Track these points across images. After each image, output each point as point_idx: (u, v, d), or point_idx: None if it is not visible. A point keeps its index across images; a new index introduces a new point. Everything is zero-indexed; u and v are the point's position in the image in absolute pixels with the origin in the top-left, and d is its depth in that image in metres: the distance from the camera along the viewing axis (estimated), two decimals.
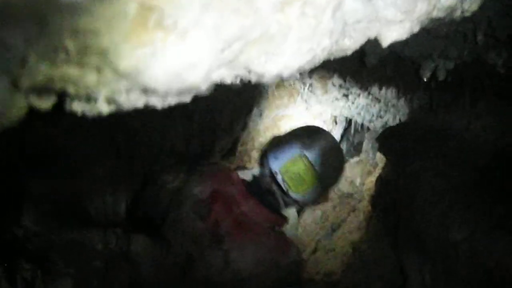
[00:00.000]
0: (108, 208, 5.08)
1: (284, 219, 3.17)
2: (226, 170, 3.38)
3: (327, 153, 3.05)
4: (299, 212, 4.46)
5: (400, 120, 5.70)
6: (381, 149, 4.25)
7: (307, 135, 3.13)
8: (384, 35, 1.31)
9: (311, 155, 3.00)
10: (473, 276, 2.59)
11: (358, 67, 4.35)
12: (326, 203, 6.60)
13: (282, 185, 3.03)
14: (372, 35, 1.31)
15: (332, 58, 1.33)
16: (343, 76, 5.21)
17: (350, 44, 1.29)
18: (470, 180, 3.21)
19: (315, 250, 6.01)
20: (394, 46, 2.68)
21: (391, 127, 4.64)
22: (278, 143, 3.16)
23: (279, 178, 3.01)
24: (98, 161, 4.76)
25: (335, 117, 6.89)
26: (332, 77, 5.33)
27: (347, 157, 7.96)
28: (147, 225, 3.65)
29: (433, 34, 2.34)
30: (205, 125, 5.34)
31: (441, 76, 2.83)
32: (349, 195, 6.72)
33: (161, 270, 3.09)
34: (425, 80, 2.90)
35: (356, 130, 7.25)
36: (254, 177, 3.30)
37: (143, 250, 3.19)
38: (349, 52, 1.33)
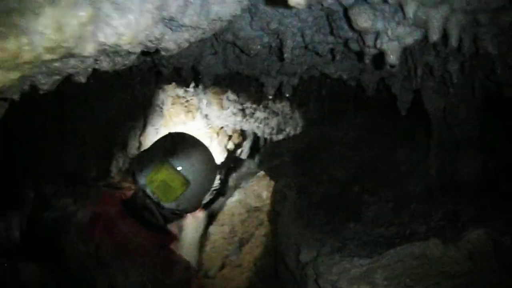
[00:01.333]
0: (1, 234, 4.81)
1: (169, 235, 2.99)
2: (107, 192, 3.24)
3: (191, 156, 2.86)
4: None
5: (299, 132, 5.69)
6: (260, 165, 4.18)
7: (169, 141, 2.92)
8: None
9: (174, 160, 2.78)
10: None
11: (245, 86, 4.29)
12: (235, 217, 6.47)
13: (153, 197, 2.81)
14: None
15: None
16: (235, 91, 5.15)
17: None
18: (331, 196, 3.17)
19: (222, 267, 5.86)
20: (229, 65, 2.62)
21: (272, 143, 4.59)
22: (142, 155, 3.02)
23: (148, 191, 2.79)
24: None
25: (242, 131, 6.81)
26: (225, 92, 5.24)
27: (257, 171, 7.92)
28: (47, 251, 3.49)
29: None
30: (99, 146, 5.14)
31: (288, 92, 2.76)
32: (257, 209, 6.62)
33: None
34: (269, 98, 2.82)
35: (265, 143, 7.20)
36: (131, 196, 3.03)
37: (32, 278, 3.06)
38: None
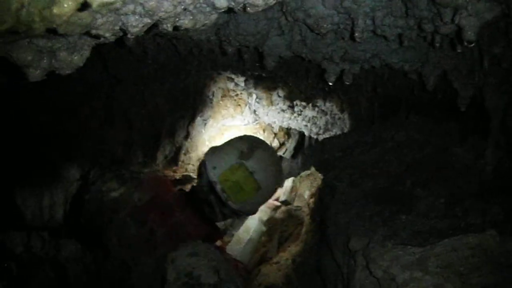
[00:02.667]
0: (45, 212, 4.96)
1: (217, 231, 3.11)
2: (165, 179, 3.33)
3: (265, 162, 2.99)
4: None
5: (340, 134, 5.68)
6: (310, 159, 4.19)
7: (245, 144, 3.04)
8: None
9: (250, 164, 2.92)
10: (366, 286, 2.52)
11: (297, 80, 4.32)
12: (275, 217, 6.52)
13: (221, 195, 2.92)
14: None
15: None
16: (287, 87, 5.18)
17: None
18: (381, 189, 3.14)
19: (260, 263, 5.90)
20: (293, 47, 2.65)
21: (324, 139, 4.59)
22: (216, 152, 3.08)
23: (218, 187, 2.91)
24: (29, 165, 4.66)
25: (288, 130, 6.84)
26: (276, 89, 5.28)
27: (301, 171, 7.90)
28: (88, 231, 3.60)
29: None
30: (146, 132, 5.24)
31: (348, 80, 2.77)
32: (298, 209, 6.65)
33: (94, 277, 2.99)
34: (330, 84, 2.83)
35: (310, 144, 7.20)
36: (193, 187, 3.23)
37: (73, 256, 3.05)
38: None
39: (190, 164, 5.70)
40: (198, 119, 5.48)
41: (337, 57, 2.63)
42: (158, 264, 2.76)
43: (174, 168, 5.62)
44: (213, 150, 3.16)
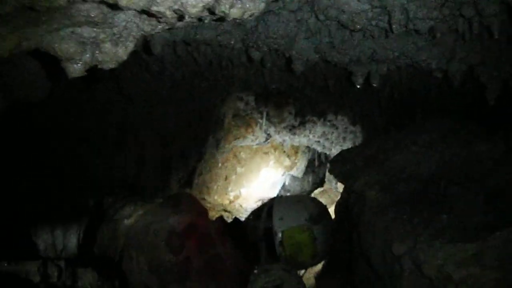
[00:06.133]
0: (58, 242, 4.79)
1: (252, 267, 2.95)
2: (201, 204, 3.19)
3: (329, 233, 3.01)
4: None
5: (357, 145, 5.56)
6: (332, 171, 4.05)
7: (316, 208, 3.07)
8: None
9: (317, 231, 2.95)
10: None
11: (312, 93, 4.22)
12: None
13: (277, 248, 2.92)
14: None
15: None
16: (298, 102, 5.07)
17: None
18: (414, 191, 3.00)
19: None
20: (321, 50, 2.55)
21: (342, 151, 4.47)
22: (286, 204, 3.07)
23: (277, 239, 2.91)
24: (40, 193, 4.50)
25: (297, 147, 6.72)
26: (287, 105, 5.18)
27: (312, 189, 7.76)
28: (104, 259, 3.42)
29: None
30: (157, 154, 5.08)
31: (375, 82, 2.66)
32: None
33: None
34: (358, 87, 2.73)
35: (320, 162, 7.08)
36: (237, 221, 3.27)
37: (91, 285, 3.01)
38: None
39: (204, 186, 5.54)
40: (211, 140, 5.35)
41: (365, 57, 2.55)
42: None
43: (188, 191, 5.45)
44: (283, 200, 3.19)
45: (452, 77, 2.69)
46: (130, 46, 1.44)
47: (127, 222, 3.53)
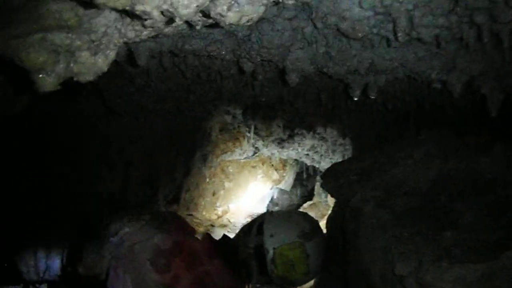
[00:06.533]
0: (41, 263, 4.55)
1: (242, 285, 2.91)
2: (187, 222, 3.08)
3: (320, 249, 2.86)
4: None
5: (347, 158, 5.39)
6: (324, 185, 3.87)
7: (308, 225, 2.93)
8: None
9: (310, 247, 2.80)
10: None
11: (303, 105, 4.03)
12: None
13: (268, 266, 2.77)
14: None
15: None
16: (287, 115, 4.89)
17: None
18: (414, 207, 2.83)
19: None
20: (317, 61, 2.38)
21: (334, 164, 4.29)
22: (277, 221, 2.93)
23: (268, 257, 2.75)
24: (21, 212, 4.26)
25: (285, 161, 6.53)
26: (276, 118, 4.99)
27: (301, 202, 7.58)
28: (88, 280, 3.31)
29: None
30: (144, 170, 4.86)
31: (373, 94, 2.49)
32: None
33: None
34: (355, 99, 2.55)
35: (309, 175, 6.89)
36: (226, 238, 3.09)
37: None
38: None
39: (192, 202, 5.32)
40: (198, 155, 5.14)
41: (363, 68, 2.38)
42: None
43: (175, 207, 5.22)
44: (274, 216, 2.99)
45: (452, 88, 2.54)
46: (111, 55, 1.24)
47: (113, 240, 3.37)
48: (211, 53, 2.24)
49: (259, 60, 2.30)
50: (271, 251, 2.74)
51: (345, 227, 3.46)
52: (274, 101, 3.68)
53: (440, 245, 2.38)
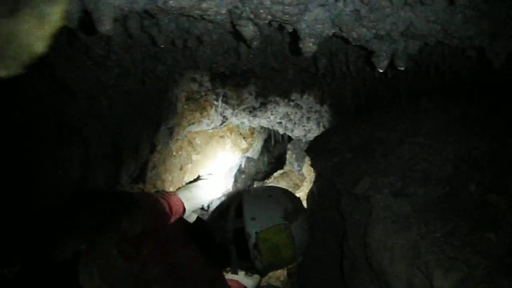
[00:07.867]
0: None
1: (222, 278, 2.45)
2: (157, 205, 2.53)
3: (304, 229, 2.45)
4: None
5: (324, 126, 4.83)
6: (314, 164, 3.31)
7: (290, 203, 2.48)
8: None
9: (295, 228, 2.37)
10: None
11: (280, 68, 3.36)
12: None
13: (251, 252, 2.34)
14: None
15: None
16: (260, 82, 4.23)
17: None
18: (439, 197, 2.30)
19: None
20: (342, 22, 1.73)
21: (319, 138, 3.71)
22: (257, 201, 2.48)
23: (251, 242, 2.33)
24: None
25: (253, 128, 5.91)
26: (248, 85, 4.32)
27: (268, 170, 7.07)
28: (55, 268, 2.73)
29: None
30: (105, 148, 4.13)
31: (401, 64, 1.87)
32: None
33: None
34: (380, 71, 1.94)
35: (276, 141, 6.33)
36: (200, 221, 2.64)
37: None
38: None
39: (159, 180, 4.63)
40: (163, 129, 4.41)
41: (397, 32, 1.74)
42: None
43: (141, 186, 4.53)
44: (252, 196, 2.52)
45: (494, 56, 1.97)
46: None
47: (108, 218, 2.84)
48: (207, 12, 1.55)
49: (267, 21, 1.62)
50: (253, 236, 2.35)
51: (344, 216, 2.92)
52: (259, 69, 3.01)
53: (487, 252, 1.87)
